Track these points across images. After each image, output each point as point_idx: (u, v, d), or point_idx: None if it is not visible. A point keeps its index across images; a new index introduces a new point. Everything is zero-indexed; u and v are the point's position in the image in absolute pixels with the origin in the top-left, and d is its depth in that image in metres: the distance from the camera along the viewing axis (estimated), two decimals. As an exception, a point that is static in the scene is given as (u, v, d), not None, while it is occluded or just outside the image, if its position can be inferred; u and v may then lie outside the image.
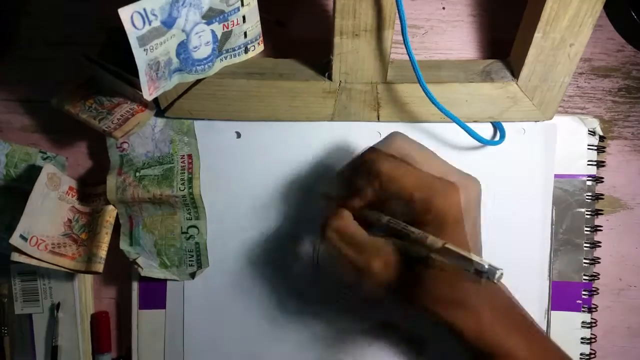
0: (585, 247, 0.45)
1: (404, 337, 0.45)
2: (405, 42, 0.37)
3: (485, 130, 0.44)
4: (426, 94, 0.39)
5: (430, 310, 0.34)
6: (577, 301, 0.45)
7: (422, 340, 0.45)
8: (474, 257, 0.30)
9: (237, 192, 0.44)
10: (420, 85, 0.38)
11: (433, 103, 0.39)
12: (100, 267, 0.41)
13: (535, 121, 0.44)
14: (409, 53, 0.37)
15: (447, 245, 0.31)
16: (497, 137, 0.44)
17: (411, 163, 0.35)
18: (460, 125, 0.41)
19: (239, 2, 0.35)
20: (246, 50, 0.39)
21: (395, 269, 0.34)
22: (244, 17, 0.37)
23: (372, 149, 0.37)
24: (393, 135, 0.37)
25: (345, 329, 0.45)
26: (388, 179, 0.34)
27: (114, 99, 0.42)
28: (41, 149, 0.45)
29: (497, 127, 0.44)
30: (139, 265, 0.42)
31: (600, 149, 0.45)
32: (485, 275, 0.29)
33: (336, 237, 0.35)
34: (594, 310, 0.45)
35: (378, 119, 0.43)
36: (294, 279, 0.45)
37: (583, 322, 0.45)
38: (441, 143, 0.44)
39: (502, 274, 0.29)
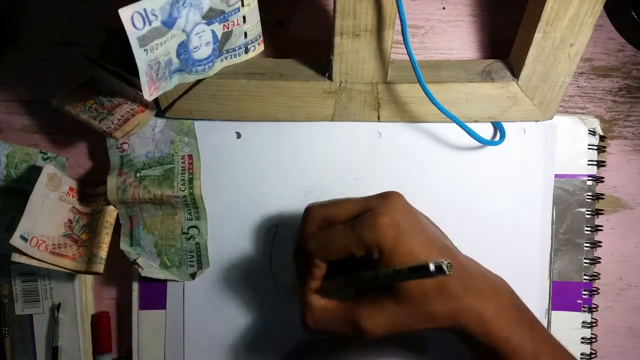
0: (585, 246, 0.45)
1: (405, 339, 0.45)
2: (405, 42, 0.37)
3: (485, 130, 0.44)
4: (426, 94, 0.39)
5: (439, 327, 0.35)
6: (578, 301, 0.45)
7: (421, 341, 0.45)
8: (416, 265, 0.31)
9: (237, 192, 0.44)
10: (421, 85, 0.38)
11: (433, 103, 0.39)
12: (100, 268, 0.41)
13: (536, 121, 0.44)
14: (409, 53, 0.37)
15: (396, 269, 0.32)
16: (497, 137, 0.44)
17: (335, 221, 0.36)
18: (460, 125, 0.41)
19: (239, 3, 0.35)
20: (246, 51, 0.39)
21: (382, 315, 0.34)
22: (244, 18, 0.37)
23: (298, 234, 0.38)
24: (306, 210, 0.37)
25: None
26: (322, 253, 0.35)
27: (114, 99, 0.42)
28: (41, 149, 0.45)
29: (497, 127, 0.44)
30: (139, 266, 0.42)
31: (600, 149, 0.45)
32: (438, 273, 0.30)
33: (320, 326, 0.36)
34: (594, 310, 0.45)
35: (378, 119, 0.43)
36: (294, 279, 0.45)
37: (583, 322, 0.45)
38: (441, 143, 0.44)
39: (448, 264, 0.30)
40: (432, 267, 0.30)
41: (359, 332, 0.35)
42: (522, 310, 0.36)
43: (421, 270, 0.30)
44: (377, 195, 0.36)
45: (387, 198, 0.35)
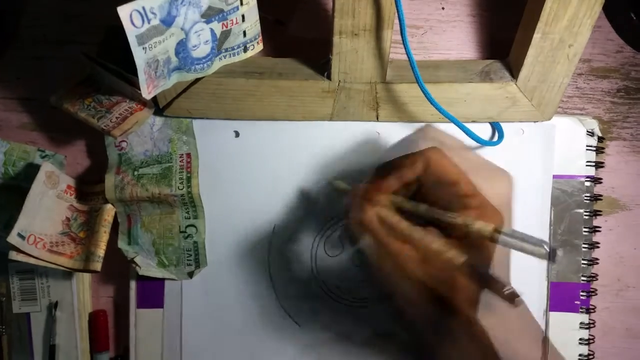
0: (583, 248, 0.45)
1: (406, 346, 0.45)
2: (404, 42, 0.37)
3: (484, 130, 0.44)
4: (425, 94, 0.39)
5: (461, 312, 0.32)
6: (576, 302, 0.45)
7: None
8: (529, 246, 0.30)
9: (235, 191, 0.44)
10: (419, 85, 0.38)
11: (431, 103, 0.39)
12: (98, 266, 0.41)
13: (534, 122, 0.44)
14: (407, 53, 0.37)
15: (497, 230, 0.30)
16: (496, 138, 0.44)
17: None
18: (458, 126, 0.41)
19: (238, 1, 0.35)
20: (245, 49, 0.39)
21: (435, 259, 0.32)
22: (243, 16, 0.37)
23: (409, 140, 0.37)
24: (427, 127, 0.37)
25: (345, 332, 0.45)
26: (435, 162, 0.33)
27: (113, 97, 0.42)
28: (40, 147, 0.45)
29: (496, 127, 0.44)
30: (137, 264, 0.42)
31: (599, 150, 0.45)
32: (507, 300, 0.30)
33: (375, 225, 0.33)
34: (592, 311, 0.45)
35: (377, 118, 0.43)
36: (292, 278, 0.45)
37: (581, 323, 0.45)
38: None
39: (563, 252, 0.29)
40: (559, 254, 0.29)
41: (407, 257, 0.32)
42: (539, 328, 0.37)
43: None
44: (497, 166, 0.36)
45: (507, 172, 0.35)
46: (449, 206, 0.33)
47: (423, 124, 0.43)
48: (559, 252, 0.29)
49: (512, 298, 0.29)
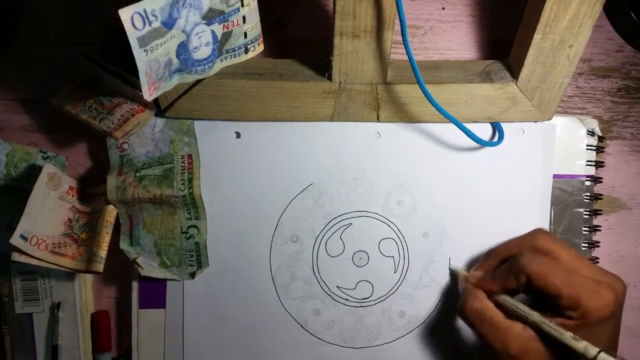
0: (583, 247, 0.45)
1: None
2: (405, 43, 0.37)
3: (484, 130, 0.44)
4: (425, 95, 0.39)
5: None
6: (576, 301, 0.45)
7: None
8: None
9: (236, 192, 0.44)
10: (420, 87, 0.38)
11: (432, 104, 0.39)
12: (100, 267, 0.41)
13: (535, 121, 0.44)
14: (408, 54, 0.37)
15: (602, 355, 0.32)
16: (496, 138, 0.44)
17: (556, 259, 0.36)
18: (458, 126, 0.41)
19: (239, 3, 0.35)
20: (246, 51, 0.39)
21: (532, 356, 0.35)
22: (244, 18, 0.37)
23: (517, 242, 0.39)
24: (537, 232, 0.39)
25: (347, 328, 0.45)
26: (537, 276, 0.35)
27: (114, 99, 0.42)
28: (41, 148, 0.45)
29: (496, 127, 0.44)
30: (139, 265, 0.42)
31: (599, 149, 0.45)
32: None
33: (473, 318, 0.37)
34: (592, 310, 0.45)
35: (378, 119, 0.43)
36: (293, 278, 0.45)
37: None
38: (440, 143, 0.44)
39: None
40: None
41: (503, 353, 0.36)
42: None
43: None
44: (607, 272, 0.37)
45: (618, 281, 0.36)
46: (544, 311, 0.36)
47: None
48: None
49: None
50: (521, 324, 0.36)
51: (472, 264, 0.44)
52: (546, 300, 0.36)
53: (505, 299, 0.38)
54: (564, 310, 0.35)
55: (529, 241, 0.38)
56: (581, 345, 0.33)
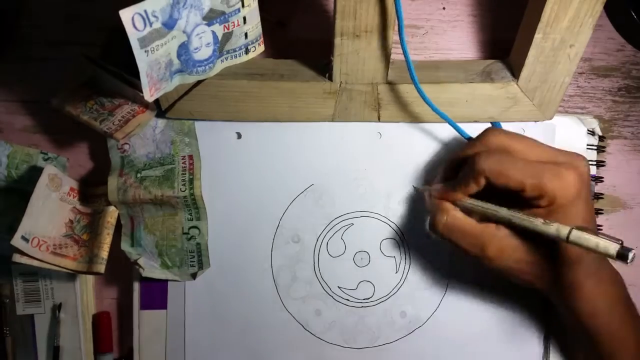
0: (585, 246, 0.45)
1: None
2: (401, 42, 0.37)
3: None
4: (419, 93, 0.39)
5: (550, 291, 0.36)
6: (577, 300, 0.45)
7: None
8: (603, 243, 0.30)
9: (237, 192, 0.44)
10: (414, 85, 0.38)
11: (427, 103, 0.39)
12: (101, 268, 0.41)
13: (535, 121, 0.44)
14: (404, 53, 0.37)
15: (574, 232, 0.31)
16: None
17: (513, 154, 0.36)
18: (452, 126, 0.40)
19: (240, 3, 0.35)
20: (247, 51, 0.39)
21: (511, 253, 0.36)
22: (244, 18, 0.37)
23: (470, 146, 0.38)
24: (488, 130, 0.38)
25: (348, 329, 0.45)
26: (496, 174, 0.34)
27: (115, 100, 0.42)
28: (42, 149, 0.45)
29: (496, 127, 0.44)
30: (140, 266, 0.42)
31: (600, 149, 0.45)
32: (619, 259, 0.29)
33: (446, 232, 0.37)
34: (594, 309, 0.45)
35: (379, 119, 0.43)
36: (294, 279, 0.45)
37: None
38: (441, 143, 0.44)
39: (634, 254, 0.29)
40: (630, 255, 0.29)
41: (481, 256, 0.36)
42: (631, 303, 0.38)
43: (601, 250, 0.30)
44: (567, 152, 0.36)
45: (579, 159, 0.35)
46: (513, 205, 0.35)
47: (488, 124, 0.43)
48: (631, 255, 0.29)
49: (625, 256, 0.29)
50: (493, 224, 0.36)
51: (433, 178, 0.43)
52: (516, 197, 0.35)
53: (472, 201, 0.37)
54: (532, 201, 0.34)
55: (482, 141, 0.37)
56: (553, 228, 0.32)
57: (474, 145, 0.38)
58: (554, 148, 0.37)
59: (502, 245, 0.36)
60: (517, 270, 0.37)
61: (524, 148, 0.36)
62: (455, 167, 0.39)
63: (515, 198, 0.35)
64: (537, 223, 0.33)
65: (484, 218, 0.37)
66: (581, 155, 0.36)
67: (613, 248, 0.29)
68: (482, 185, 0.36)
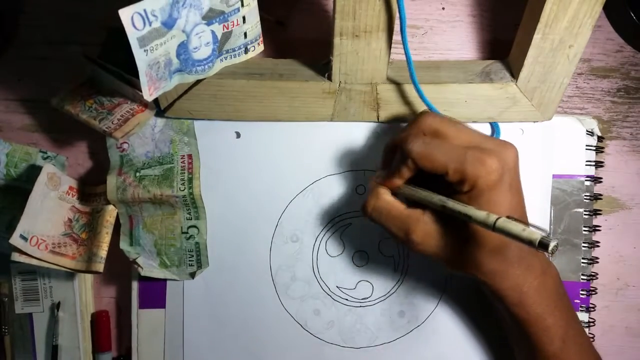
0: (583, 247, 0.45)
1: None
2: (404, 43, 0.37)
3: (484, 130, 0.44)
4: (418, 93, 0.39)
5: (476, 276, 0.36)
6: (576, 301, 0.45)
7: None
8: (527, 232, 0.30)
9: (236, 192, 0.44)
10: (414, 85, 0.38)
11: (425, 103, 0.39)
12: (100, 267, 0.41)
13: (534, 122, 0.44)
14: (406, 54, 0.37)
15: (501, 221, 0.31)
16: (496, 138, 0.44)
17: (443, 138, 0.36)
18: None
19: (239, 3, 0.35)
20: (246, 51, 0.39)
21: (436, 238, 0.36)
22: (244, 18, 0.37)
23: (404, 130, 0.38)
24: (422, 114, 0.38)
25: (347, 328, 0.45)
26: (420, 157, 0.35)
27: (114, 99, 0.42)
28: (41, 148, 0.45)
29: (494, 127, 0.44)
30: (139, 265, 0.42)
31: (598, 150, 0.45)
32: (540, 248, 0.29)
33: (375, 215, 0.38)
34: (592, 309, 0.45)
35: (378, 119, 0.43)
36: (293, 278, 0.45)
37: (581, 322, 0.45)
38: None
39: (556, 245, 0.29)
40: (552, 245, 0.29)
41: (406, 240, 0.37)
42: (563, 296, 0.38)
43: (524, 237, 0.30)
44: (497, 139, 0.37)
45: (505, 147, 0.35)
46: (448, 190, 0.35)
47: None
48: (552, 245, 0.29)
49: (546, 245, 0.29)
50: (420, 209, 0.36)
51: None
52: (450, 184, 0.35)
53: (407, 187, 0.37)
54: (456, 186, 0.34)
55: (415, 125, 0.37)
56: (483, 214, 0.32)
57: (408, 129, 0.37)
58: (485, 135, 0.37)
59: (427, 230, 0.36)
60: (443, 256, 0.36)
61: (454, 133, 0.36)
62: (393, 151, 0.39)
63: (450, 185, 0.35)
64: (469, 207, 0.33)
65: (420, 205, 0.37)
66: (510, 144, 0.36)
67: (535, 237, 0.29)
68: (412, 169, 0.36)
